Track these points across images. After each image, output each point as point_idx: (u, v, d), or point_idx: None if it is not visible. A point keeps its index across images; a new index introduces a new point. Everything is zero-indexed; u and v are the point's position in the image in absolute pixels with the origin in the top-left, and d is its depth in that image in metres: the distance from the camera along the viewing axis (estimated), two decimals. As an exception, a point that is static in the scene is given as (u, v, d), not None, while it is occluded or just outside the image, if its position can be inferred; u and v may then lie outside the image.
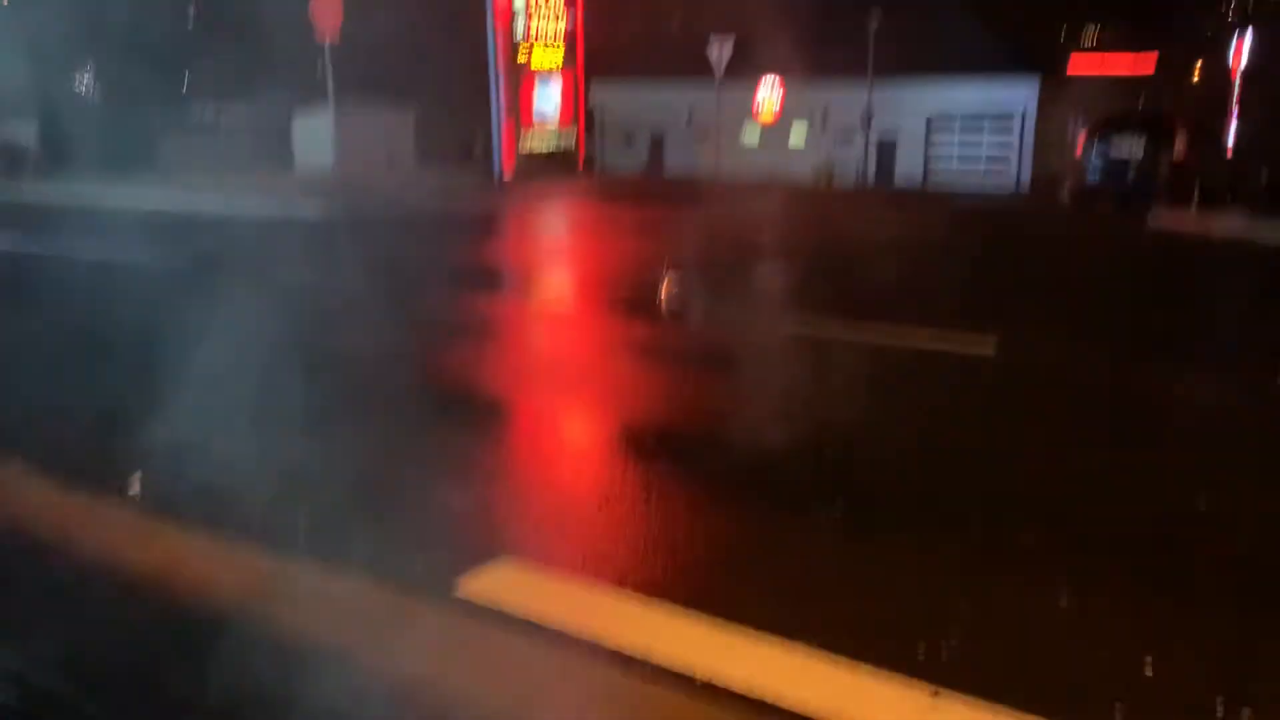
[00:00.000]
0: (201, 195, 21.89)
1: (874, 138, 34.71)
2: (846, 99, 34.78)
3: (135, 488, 4.53)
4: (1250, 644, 3.25)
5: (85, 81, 36.19)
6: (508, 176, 26.83)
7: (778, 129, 37.89)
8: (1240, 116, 37.57)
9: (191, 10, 37.91)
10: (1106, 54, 47.36)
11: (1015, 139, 35.24)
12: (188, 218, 18.97)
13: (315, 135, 35.86)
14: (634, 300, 9.09)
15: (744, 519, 4.29)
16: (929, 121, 36.21)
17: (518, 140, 27.67)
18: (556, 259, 13.77)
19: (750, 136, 37.99)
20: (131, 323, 8.20)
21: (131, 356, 7.23)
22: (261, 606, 3.23)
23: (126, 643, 3.07)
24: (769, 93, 35.53)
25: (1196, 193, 18.90)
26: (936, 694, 2.85)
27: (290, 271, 11.53)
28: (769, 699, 2.86)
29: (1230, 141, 31.83)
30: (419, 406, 6.22)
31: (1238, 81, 38.19)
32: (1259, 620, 3.42)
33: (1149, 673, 3.03)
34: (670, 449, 5.24)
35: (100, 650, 3.04)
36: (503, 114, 26.84)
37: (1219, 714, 2.82)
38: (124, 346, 7.50)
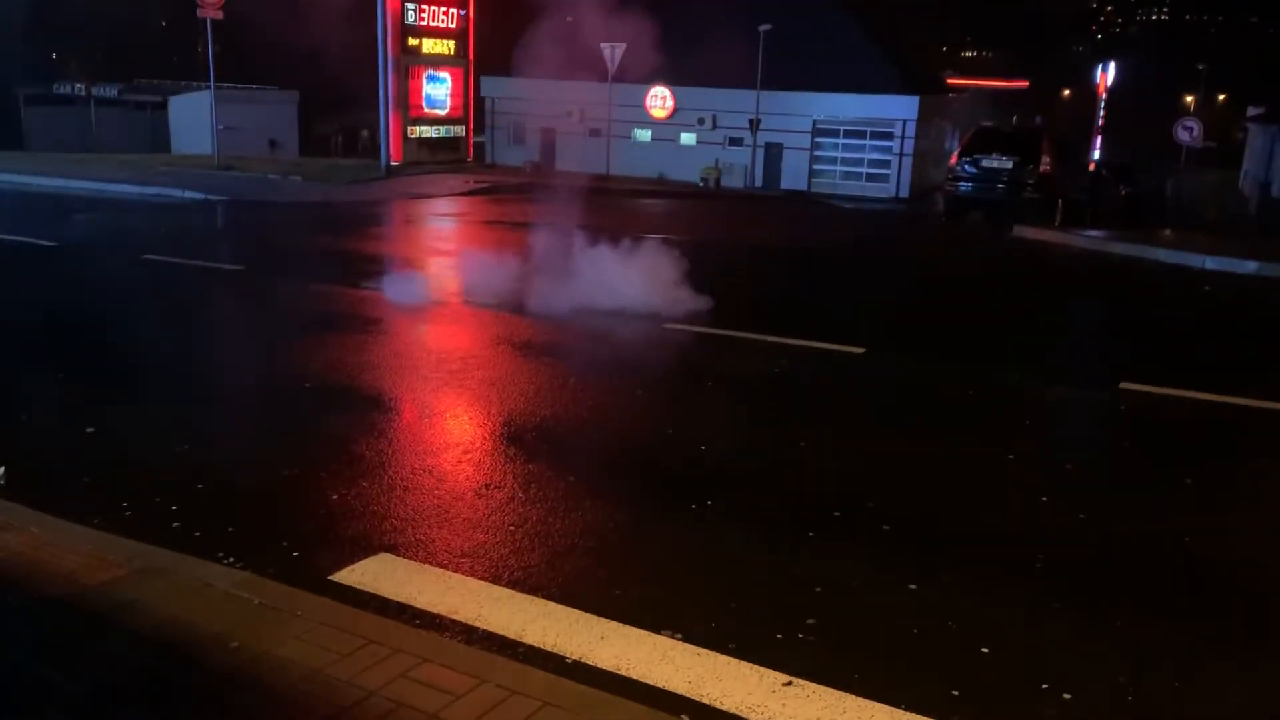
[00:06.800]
0: (65, 175, 20.97)
1: (761, 141, 35.41)
2: (736, 103, 35.40)
3: (2, 476, 4.42)
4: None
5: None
6: (394, 163, 26.44)
7: (669, 129, 38.32)
8: (1102, 136, 39.74)
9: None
10: (984, 76, 49.50)
11: (895, 149, 36.43)
12: (51, 196, 18.19)
13: (193, 116, 34.66)
14: (504, 294, 9.12)
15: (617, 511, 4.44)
16: (815, 128, 37.13)
17: (405, 129, 27.29)
18: (432, 253, 13.68)
19: (641, 135, 38.30)
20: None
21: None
22: (136, 596, 3.24)
23: (-7, 631, 3.04)
24: (661, 94, 35.93)
25: (1060, 205, 19.93)
26: (790, 683, 3.05)
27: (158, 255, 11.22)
28: (634, 677, 3.03)
29: (1093, 157, 33.63)
30: (284, 395, 6.20)
31: (1101, 105, 40.40)
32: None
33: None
34: (544, 442, 5.37)
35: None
36: (390, 102, 26.45)
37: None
38: None
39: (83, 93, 40.42)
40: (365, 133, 39.79)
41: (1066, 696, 3.06)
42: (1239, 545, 4.37)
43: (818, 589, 3.70)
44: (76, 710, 2.64)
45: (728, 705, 2.92)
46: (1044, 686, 3.11)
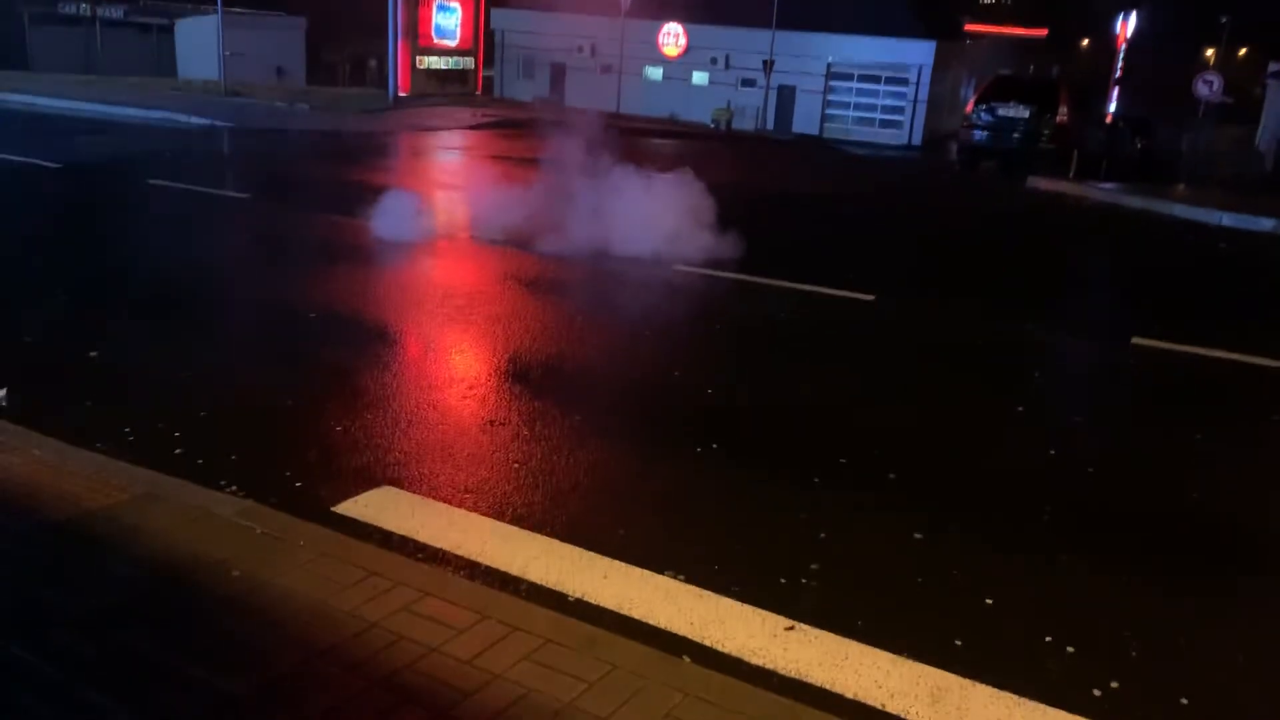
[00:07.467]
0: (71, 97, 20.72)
1: (774, 84, 34.89)
2: (750, 43, 34.82)
3: (3, 398, 4.40)
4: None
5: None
6: (402, 94, 26.08)
7: (681, 68, 37.75)
8: (1120, 87, 39.12)
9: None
10: (1002, 24, 48.53)
11: (910, 95, 35.90)
12: (55, 118, 17.99)
13: (200, 40, 34.16)
14: (511, 230, 9.02)
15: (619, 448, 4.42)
16: (829, 71, 36.56)
17: (414, 59, 26.87)
18: (440, 186, 13.54)
19: (653, 73, 37.76)
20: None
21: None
22: (138, 521, 3.22)
23: (-6, 552, 3.03)
24: (674, 31, 35.33)
25: (1075, 157, 19.68)
26: (792, 628, 3.03)
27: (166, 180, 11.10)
28: (636, 617, 3.02)
29: (1110, 109, 33.12)
30: (290, 326, 6.16)
31: (1120, 56, 39.72)
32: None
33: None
34: (549, 380, 5.33)
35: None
36: (399, 31, 25.98)
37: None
38: None
39: (88, 13, 39.79)
40: (374, 62, 39.25)
41: (1069, 650, 3.05)
42: (1245, 503, 4.34)
43: (822, 535, 3.68)
44: (76, 633, 2.63)
45: (729, 648, 2.91)
46: (1047, 639, 3.10)
